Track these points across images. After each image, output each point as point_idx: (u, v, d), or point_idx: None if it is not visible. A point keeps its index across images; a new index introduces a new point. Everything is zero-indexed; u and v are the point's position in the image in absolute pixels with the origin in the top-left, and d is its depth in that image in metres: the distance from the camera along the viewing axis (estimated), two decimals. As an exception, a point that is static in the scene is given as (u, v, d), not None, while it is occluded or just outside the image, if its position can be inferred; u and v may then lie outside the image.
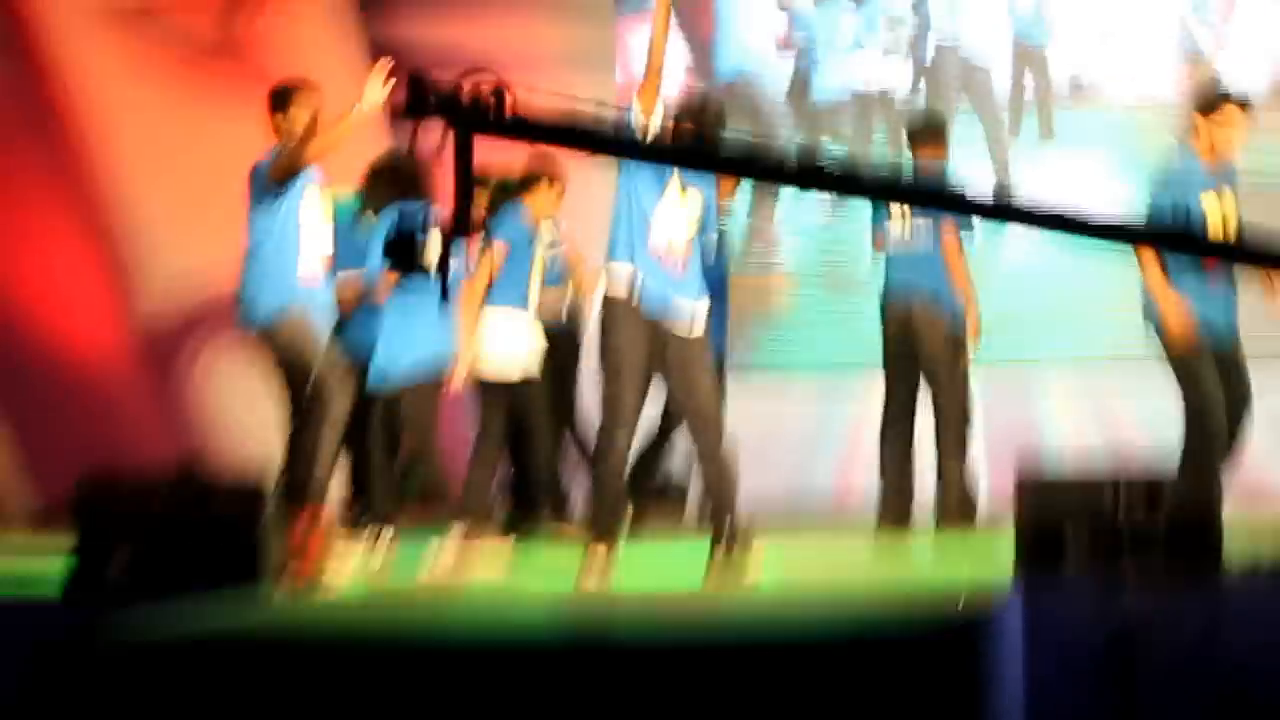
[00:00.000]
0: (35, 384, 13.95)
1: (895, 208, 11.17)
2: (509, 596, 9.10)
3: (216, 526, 8.16)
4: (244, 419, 15.17)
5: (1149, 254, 9.83)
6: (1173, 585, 7.63)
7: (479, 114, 6.95)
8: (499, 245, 10.70)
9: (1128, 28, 14.85)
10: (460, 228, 7.80)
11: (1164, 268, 9.91)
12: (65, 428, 12.46)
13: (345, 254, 10.93)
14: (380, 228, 10.12)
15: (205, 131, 14.99)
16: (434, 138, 7.00)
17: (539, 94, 6.91)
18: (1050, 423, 14.67)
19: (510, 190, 11.03)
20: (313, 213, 9.74)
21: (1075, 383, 14.74)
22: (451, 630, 6.83)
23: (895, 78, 15.09)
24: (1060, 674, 7.57)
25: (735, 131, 9.48)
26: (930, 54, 15.05)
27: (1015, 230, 14.39)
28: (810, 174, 6.94)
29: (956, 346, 11.18)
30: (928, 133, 11.51)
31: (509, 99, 6.96)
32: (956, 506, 11.03)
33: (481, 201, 11.08)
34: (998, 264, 14.27)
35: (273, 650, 6.45)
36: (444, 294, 8.37)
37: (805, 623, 6.87)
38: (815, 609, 7.56)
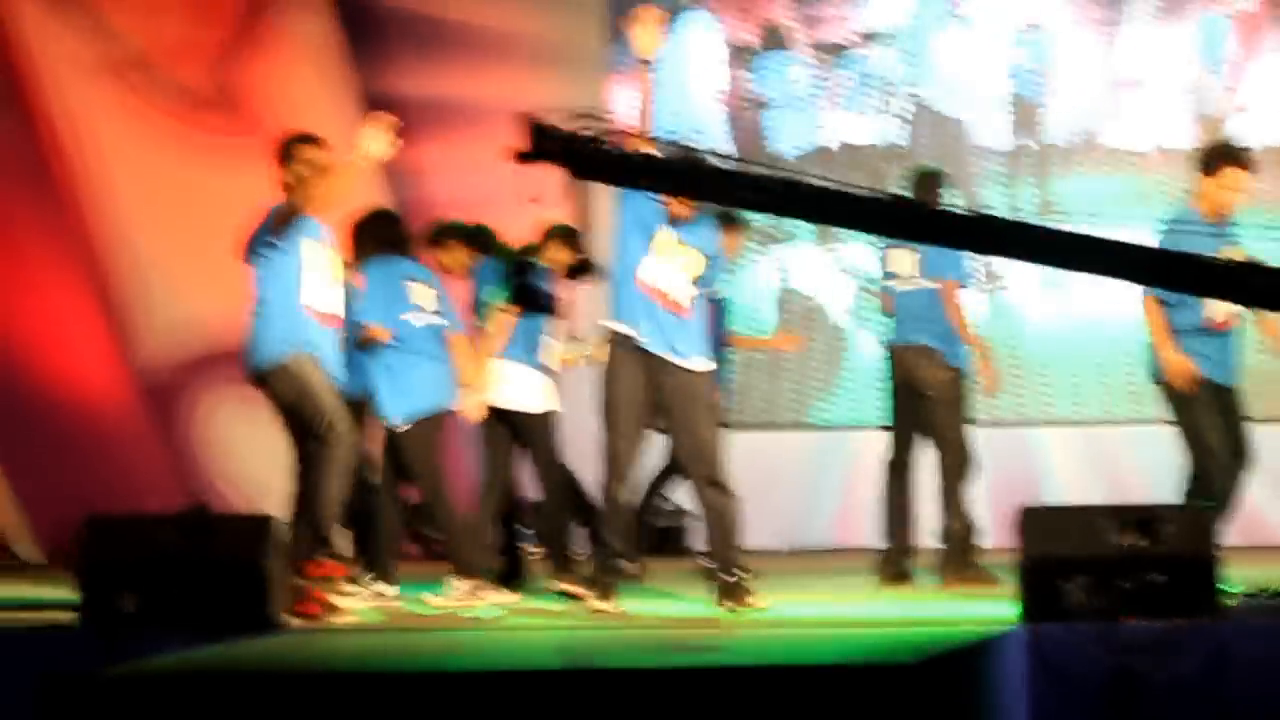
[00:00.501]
0: (37, 429, 13.91)
1: (903, 265, 11.11)
2: (511, 627, 9.05)
3: (222, 564, 8.12)
4: (246, 461, 15.16)
5: (1155, 310, 9.83)
6: (1171, 617, 7.60)
7: (592, 156, 7.07)
8: (512, 306, 10.75)
9: (1139, 83, 14.87)
10: (580, 271, 8.02)
11: (1169, 326, 9.89)
12: (68, 472, 12.42)
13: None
14: (368, 278, 10.18)
15: (201, 181, 14.97)
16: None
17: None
18: (1050, 481, 14.66)
19: (531, 249, 11.05)
20: (316, 260, 9.72)
21: (1077, 445, 14.74)
22: (454, 658, 6.80)
23: (863, 131, 15.12)
24: (1062, 705, 7.55)
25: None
26: (905, 107, 15.10)
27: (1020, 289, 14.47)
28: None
29: (956, 396, 11.08)
30: (927, 181, 11.43)
31: (613, 143, 7.14)
32: (957, 557, 10.91)
33: (460, 256, 11.18)
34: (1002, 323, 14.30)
35: (277, 678, 6.39)
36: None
37: (808, 648, 6.85)
38: (818, 636, 7.57)
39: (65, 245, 14.75)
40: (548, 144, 7.17)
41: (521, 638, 8.58)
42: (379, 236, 10.52)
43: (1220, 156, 10.15)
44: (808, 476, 14.83)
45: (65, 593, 8.46)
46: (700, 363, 9.39)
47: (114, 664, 6.60)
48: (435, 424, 10.26)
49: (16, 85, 15.11)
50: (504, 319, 10.68)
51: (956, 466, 10.96)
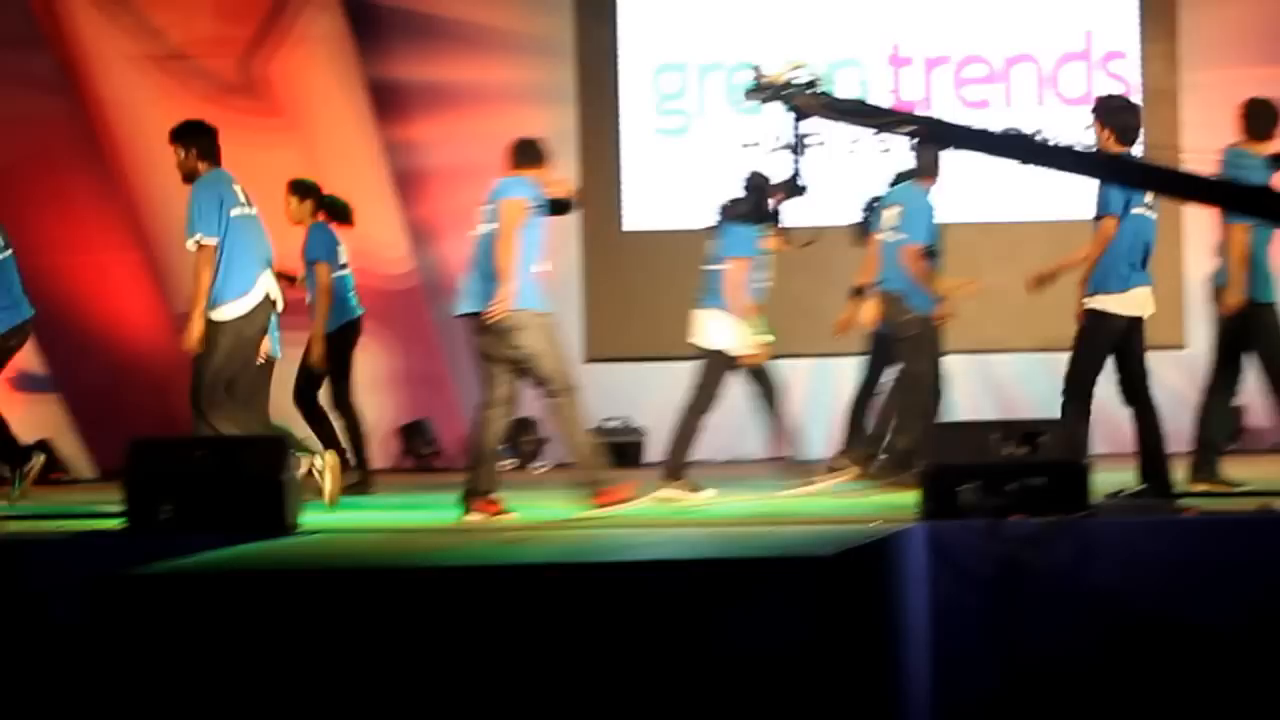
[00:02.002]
0: (92, 366, 13.87)
1: (889, 219, 10.99)
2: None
3: (246, 478, 8.08)
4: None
5: (1240, 234, 9.74)
6: (1049, 515, 7.59)
7: (807, 97, 7.24)
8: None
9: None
10: (793, 191, 8.19)
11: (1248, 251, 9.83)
12: (117, 402, 12.36)
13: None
14: None
15: (229, 155, 14.78)
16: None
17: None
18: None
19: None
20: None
21: (971, 370, 14.72)
22: (454, 555, 6.74)
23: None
24: (957, 589, 7.54)
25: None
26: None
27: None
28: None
29: (918, 336, 10.93)
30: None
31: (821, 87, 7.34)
32: (900, 462, 10.80)
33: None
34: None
35: (292, 575, 6.34)
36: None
37: (737, 543, 6.79)
38: (747, 532, 7.51)
39: (114, 211, 14.68)
40: (767, 88, 7.39)
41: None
42: None
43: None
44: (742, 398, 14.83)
45: (113, 504, 8.39)
46: None
47: (153, 563, 6.54)
48: None
49: (71, 74, 15.04)
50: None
51: (913, 398, 10.84)
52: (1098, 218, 9.24)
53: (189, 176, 10.00)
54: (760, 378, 10.74)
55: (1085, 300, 9.27)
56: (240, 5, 15.16)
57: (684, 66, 15.24)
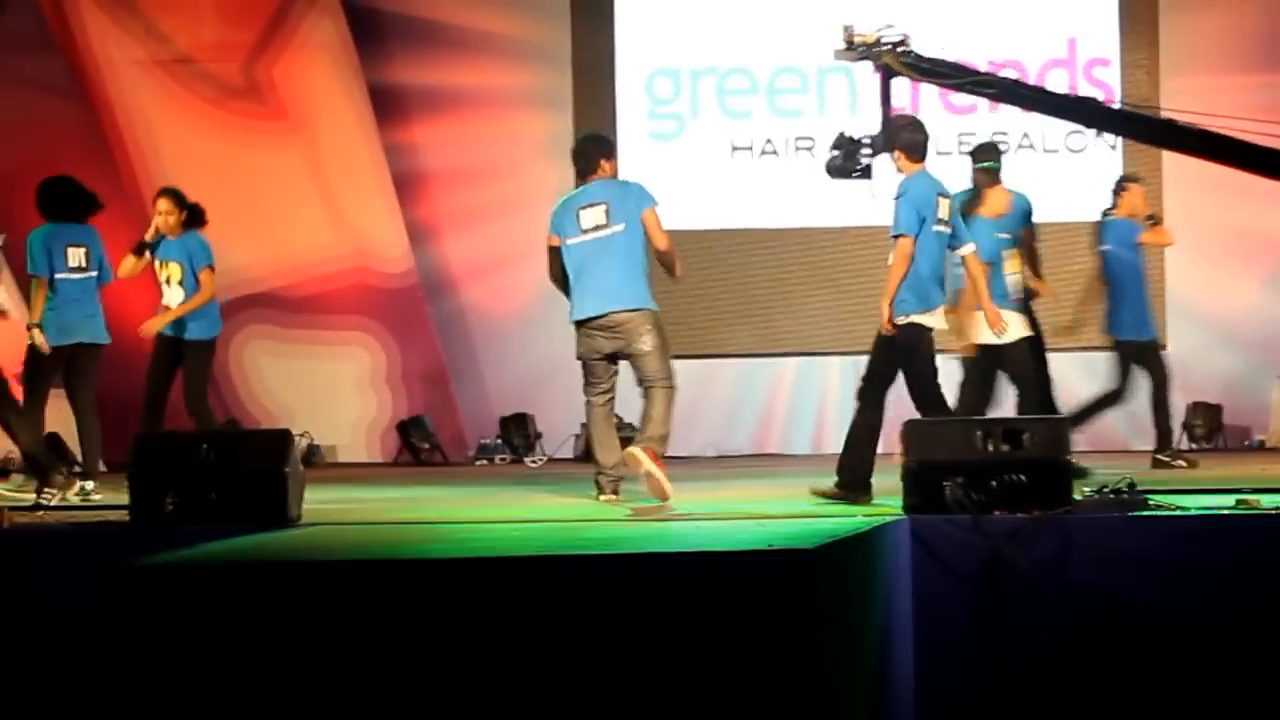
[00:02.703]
0: (103, 361, 13.77)
1: None
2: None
3: (248, 471, 8.05)
4: (270, 386, 15.12)
5: None
6: (1030, 510, 7.57)
7: (894, 56, 7.36)
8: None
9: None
10: (880, 147, 8.22)
11: None
12: (125, 396, 12.29)
13: None
14: None
15: (234, 156, 14.91)
16: None
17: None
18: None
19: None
20: None
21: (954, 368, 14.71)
22: (442, 546, 6.73)
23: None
24: (941, 583, 7.53)
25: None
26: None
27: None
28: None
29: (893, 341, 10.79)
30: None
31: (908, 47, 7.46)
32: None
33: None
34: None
35: (292, 565, 6.33)
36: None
37: (727, 537, 6.77)
38: (736, 526, 7.49)
39: (124, 210, 14.62)
40: (858, 47, 7.49)
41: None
42: None
43: None
44: (732, 395, 14.83)
45: (119, 497, 8.38)
46: None
47: (156, 554, 6.53)
48: None
49: (81, 78, 15.05)
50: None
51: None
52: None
53: None
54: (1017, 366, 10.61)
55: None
56: (245, 11, 15.15)
57: (677, 72, 15.22)
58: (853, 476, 8.98)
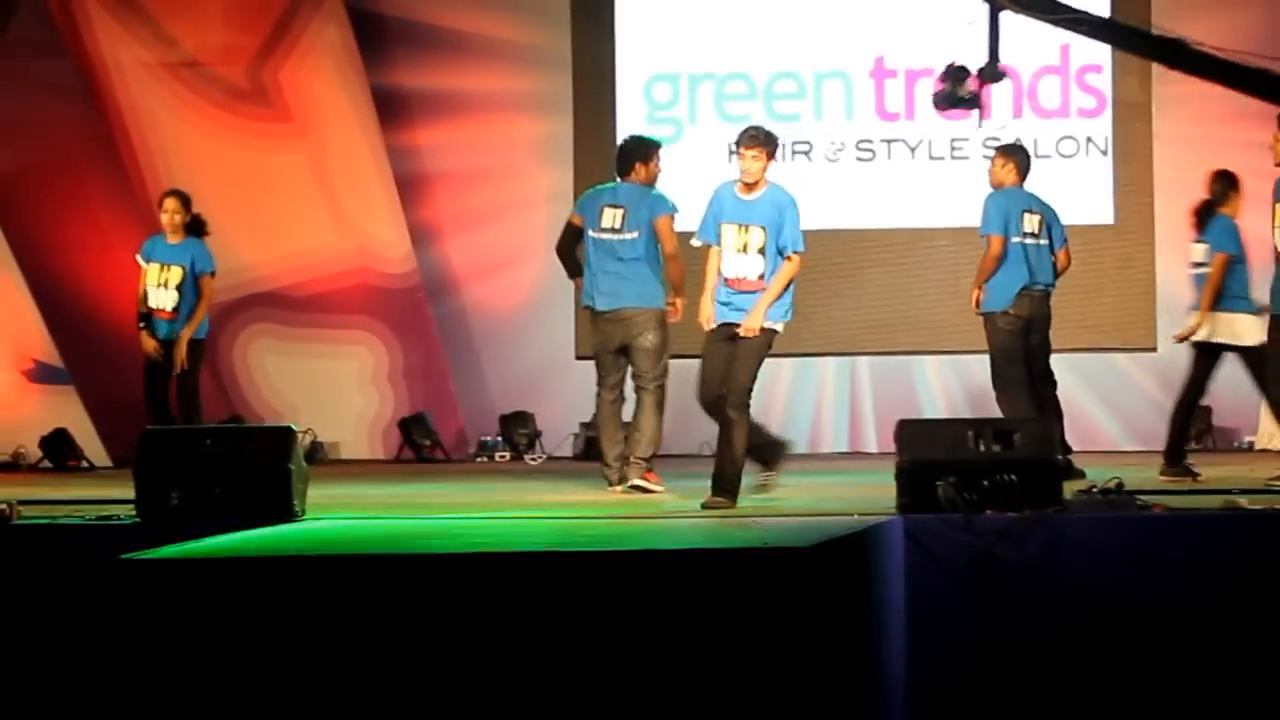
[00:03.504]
0: (109, 360, 13.79)
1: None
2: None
3: (251, 466, 8.05)
4: (274, 383, 15.13)
5: None
6: (1021, 509, 7.58)
7: None
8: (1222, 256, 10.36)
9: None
10: (991, 76, 8.50)
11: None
12: (131, 394, 12.30)
13: None
14: None
15: (240, 159, 14.91)
16: None
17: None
18: (927, 399, 14.66)
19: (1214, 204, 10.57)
20: None
21: (947, 371, 14.73)
22: (442, 541, 6.73)
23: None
24: (934, 581, 7.53)
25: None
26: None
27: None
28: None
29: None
30: None
31: None
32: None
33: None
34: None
35: (295, 559, 6.34)
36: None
37: (726, 535, 6.79)
38: (733, 525, 7.50)
39: (132, 211, 14.65)
40: None
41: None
42: None
43: None
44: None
45: (125, 492, 8.37)
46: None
47: (162, 548, 6.53)
48: None
49: (89, 81, 15.04)
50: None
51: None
52: None
53: None
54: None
55: None
56: (250, 15, 15.14)
57: (676, 77, 15.22)
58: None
